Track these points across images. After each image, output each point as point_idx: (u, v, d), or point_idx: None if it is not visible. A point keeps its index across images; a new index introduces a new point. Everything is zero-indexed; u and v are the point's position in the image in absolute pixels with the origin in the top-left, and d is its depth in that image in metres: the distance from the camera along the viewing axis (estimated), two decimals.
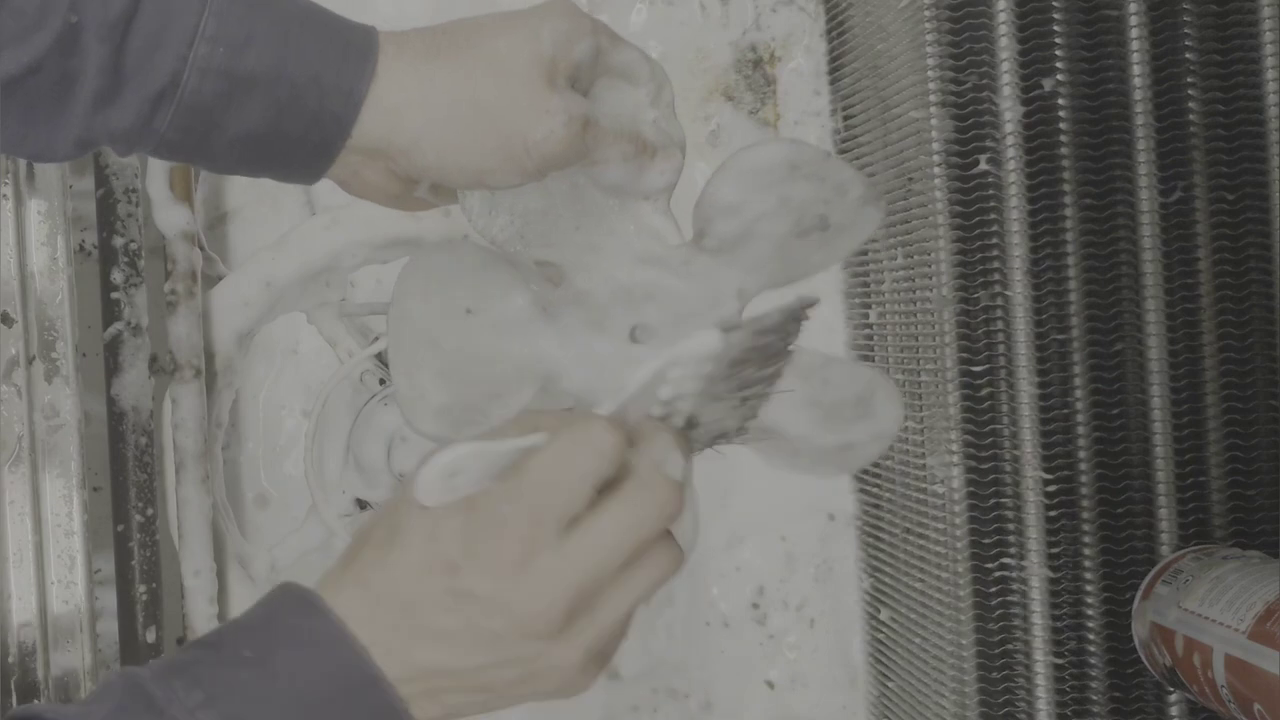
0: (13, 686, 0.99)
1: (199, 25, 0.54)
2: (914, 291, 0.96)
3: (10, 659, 0.98)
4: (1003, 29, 0.88)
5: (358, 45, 0.57)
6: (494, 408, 0.63)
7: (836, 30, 1.10)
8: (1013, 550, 0.91)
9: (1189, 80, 0.89)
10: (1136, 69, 0.89)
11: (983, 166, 0.89)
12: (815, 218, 0.62)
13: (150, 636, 1.01)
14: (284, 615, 0.51)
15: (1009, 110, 0.89)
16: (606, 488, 0.50)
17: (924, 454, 0.96)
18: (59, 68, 0.53)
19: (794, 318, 0.54)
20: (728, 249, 0.62)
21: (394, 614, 0.50)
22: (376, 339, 1.09)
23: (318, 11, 0.58)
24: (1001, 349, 0.90)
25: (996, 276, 0.90)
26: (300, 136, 0.57)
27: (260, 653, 0.50)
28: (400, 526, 0.51)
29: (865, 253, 1.06)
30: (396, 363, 0.64)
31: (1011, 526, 0.91)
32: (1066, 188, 0.89)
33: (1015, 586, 0.91)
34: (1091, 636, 0.90)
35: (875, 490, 1.07)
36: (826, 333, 1.12)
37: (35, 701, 0.99)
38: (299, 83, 0.55)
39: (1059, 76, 0.89)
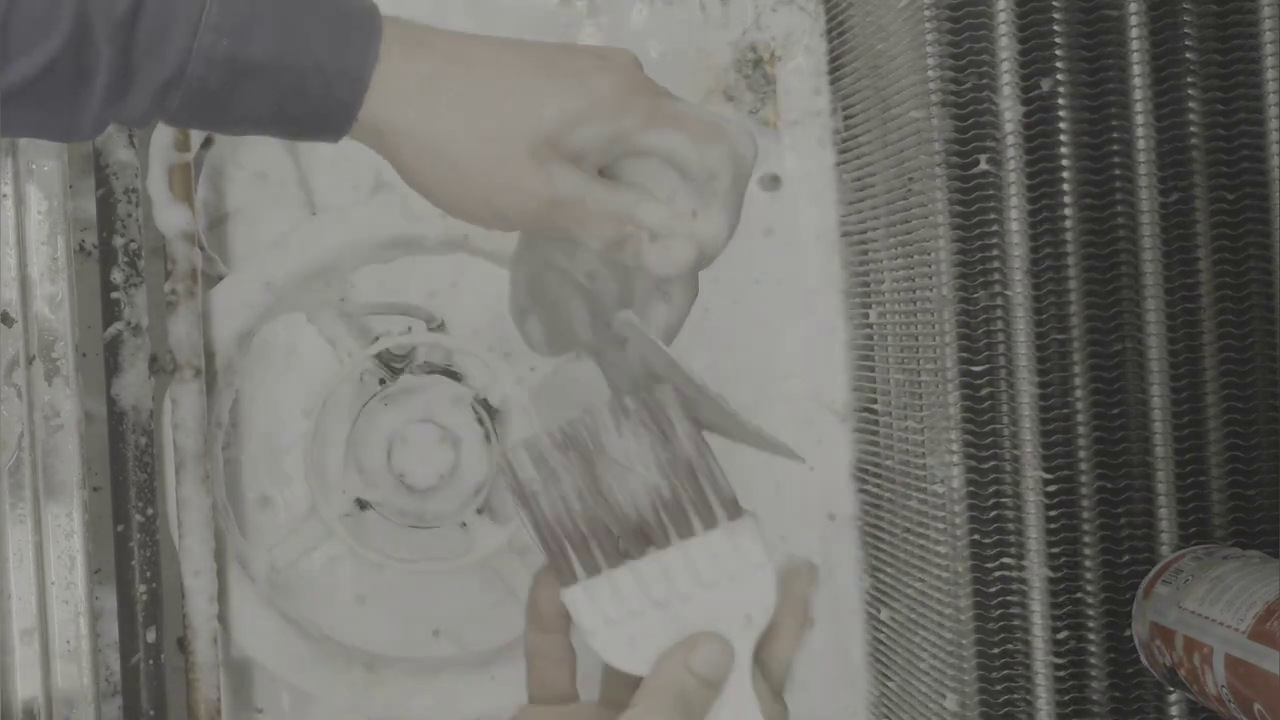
0: (12, 687, 0.99)
1: (202, 14, 0.54)
2: (914, 291, 0.96)
3: (10, 659, 0.98)
4: (1003, 29, 0.88)
5: (360, 28, 0.57)
6: None
7: (836, 30, 1.10)
8: (1013, 550, 0.91)
9: (1189, 80, 0.89)
10: (1136, 69, 0.89)
11: (983, 166, 0.89)
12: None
13: (150, 636, 1.02)
14: None
15: (1009, 110, 0.89)
16: None
17: (924, 454, 0.96)
18: (72, 66, 0.54)
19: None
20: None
21: None
22: (377, 339, 1.09)
23: None
24: (1001, 349, 0.90)
25: (996, 276, 0.90)
26: (307, 119, 0.57)
27: None
28: None
29: (865, 253, 1.06)
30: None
31: (1011, 526, 0.91)
32: (1066, 188, 0.89)
33: (1015, 586, 0.91)
34: (1091, 636, 0.90)
35: (875, 490, 1.07)
36: (827, 333, 1.12)
37: (35, 699, 0.99)
38: (302, 68, 0.56)
39: (1059, 76, 0.89)
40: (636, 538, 0.54)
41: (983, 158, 0.89)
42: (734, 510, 0.55)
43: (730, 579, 0.54)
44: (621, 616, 0.54)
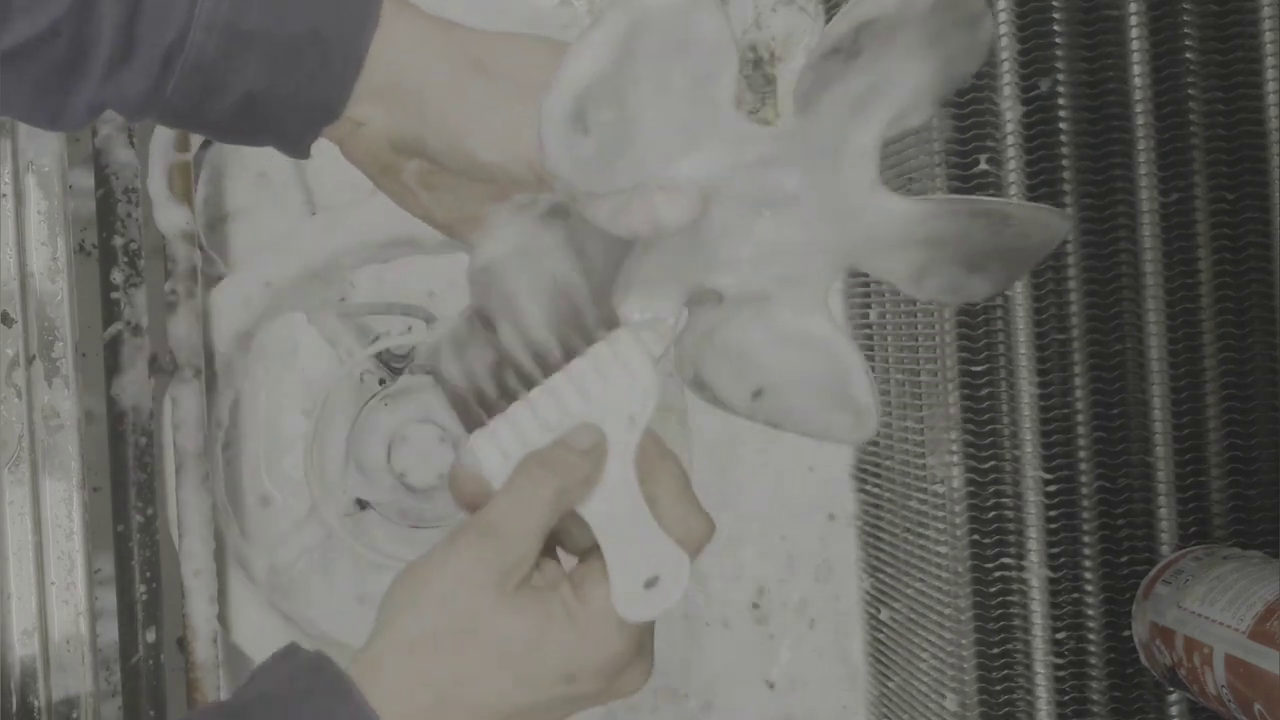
0: (13, 688, 0.99)
1: None
2: None
3: (10, 658, 0.98)
4: (1003, 29, 0.88)
5: None
6: None
7: None
8: (1013, 550, 0.91)
9: (1189, 80, 0.89)
10: (1136, 69, 0.89)
11: (983, 166, 0.89)
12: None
13: (150, 636, 1.01)
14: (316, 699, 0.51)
15: (1009, 110, 0.89)
16: None
17: (924, 454, 0.96)
18: (75, 32, 0.53)
19: None
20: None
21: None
22: (376, 339, 1.09)
23: None
24: (1001, 349, 0.90)
25: None
26: (302, 91, 0.56)
27: None
28: (481, 628, 0.53)
29: None
30: None
31: (1011, 526, 0.91)
32: (1066, 188, 0.89)
33: (1015, 586, 0.91)
34: (1091, 636, 0.90)
35: (875, 490, 1.07)
36: None
37: (35, 699, 0.99)
38: (298, 36, 0.55)
39: (1059, 76, 0.89)
40: (532, 377, 0.56)
41: (983, 158, 0.89)
42: (611, 323, 0.57)
43: (609, 385, 0.56)
44: (519, 449, 0.55)
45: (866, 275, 1.05)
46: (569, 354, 0.56)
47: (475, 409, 0.57)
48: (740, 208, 0.57)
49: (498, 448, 0.55)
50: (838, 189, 0.57)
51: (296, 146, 0.59)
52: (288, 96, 0.56)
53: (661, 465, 0.56)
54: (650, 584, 0.54)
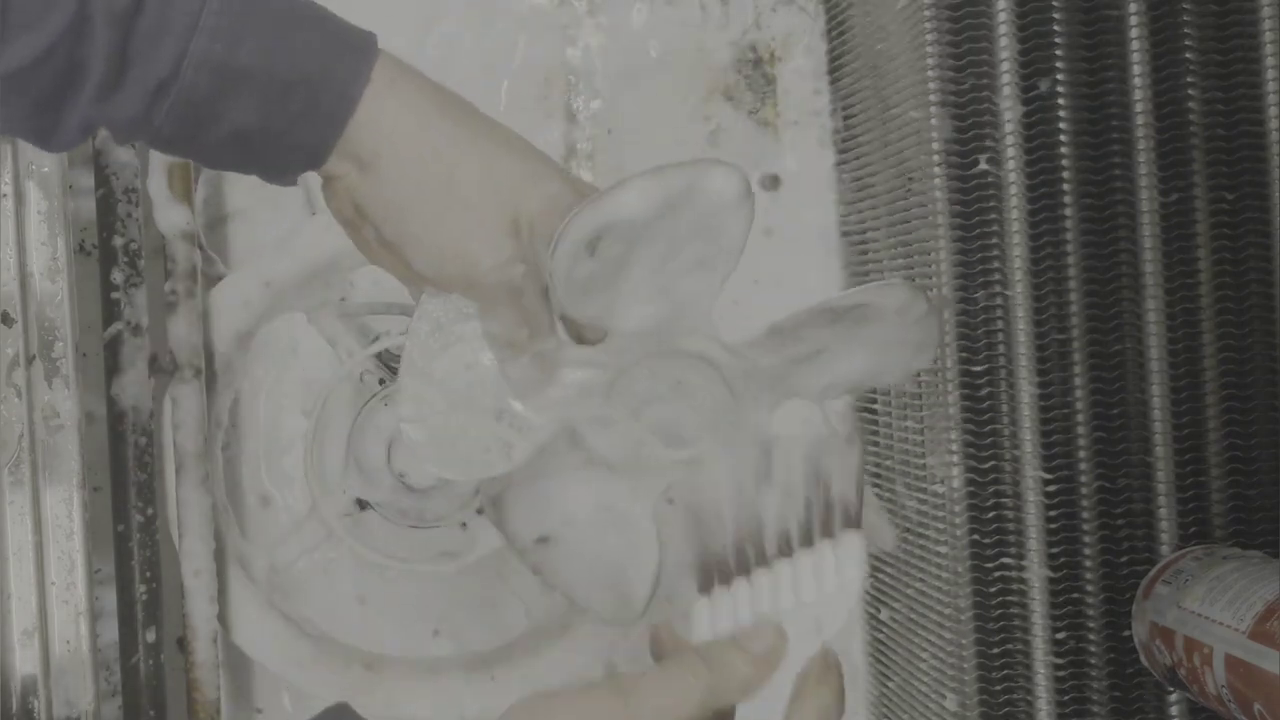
0: (13, 688, 0.99)
1: (200, 18, 0.54)
2: None
3: (10, 659, 0.98)
4: (1002, 29, 0.88)
5: (355, 49, 0.57)
6: None
7: (836, 30, 1.10)
8: (1013, 550, 0.91)
9: (1189, 80, 0.89)
10: (1136, 69, 0.89)
11: (983, 166, 0.89)
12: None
13: (150, 636, 1.01)
14: None
15: (1009, 110, 0.89)
16: None
17: (924, 454, 0.96)
18: (69, 55, 0.54)
19: None
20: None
21: None
22: (376, 339, 1.09)
23: (319, 12, 0.58)
24: (1001, 349, 0.90)
25: (996, 276, 0.90)
26: (290, 135, 0.57)
27: None
28: None
29: (865, 253, 1.06)
30: None
31: (1011, 526, 0.91)
32: (1066, 188, 0.89)
33: (1015, 586, 0.91)
34: (1091, 637, 0.90)
35: (875, 490, 1.07)
36: None
37: (35, 699, 0.99)
38: (290, 81, 0.56)
39: (1059, 76, 0.89)
40: (763, 550, 0.55)
41: (982, 158, 0.89)
42: (851, 521, 0.55)
43: (820, 589, 0.54)
44: (729, 628, 0.54)
45: (866, 275, 1.06)
46: (802, 537, 0.54)
47: (712, 563, 0.55)
48: (653, 383, 0.59)
49: (714, 623, 0.54)
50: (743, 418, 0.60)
51: (282, 179, 0.59)
52: (276, 136, 0.57)
53: (818, 689, 0.53)
54: None
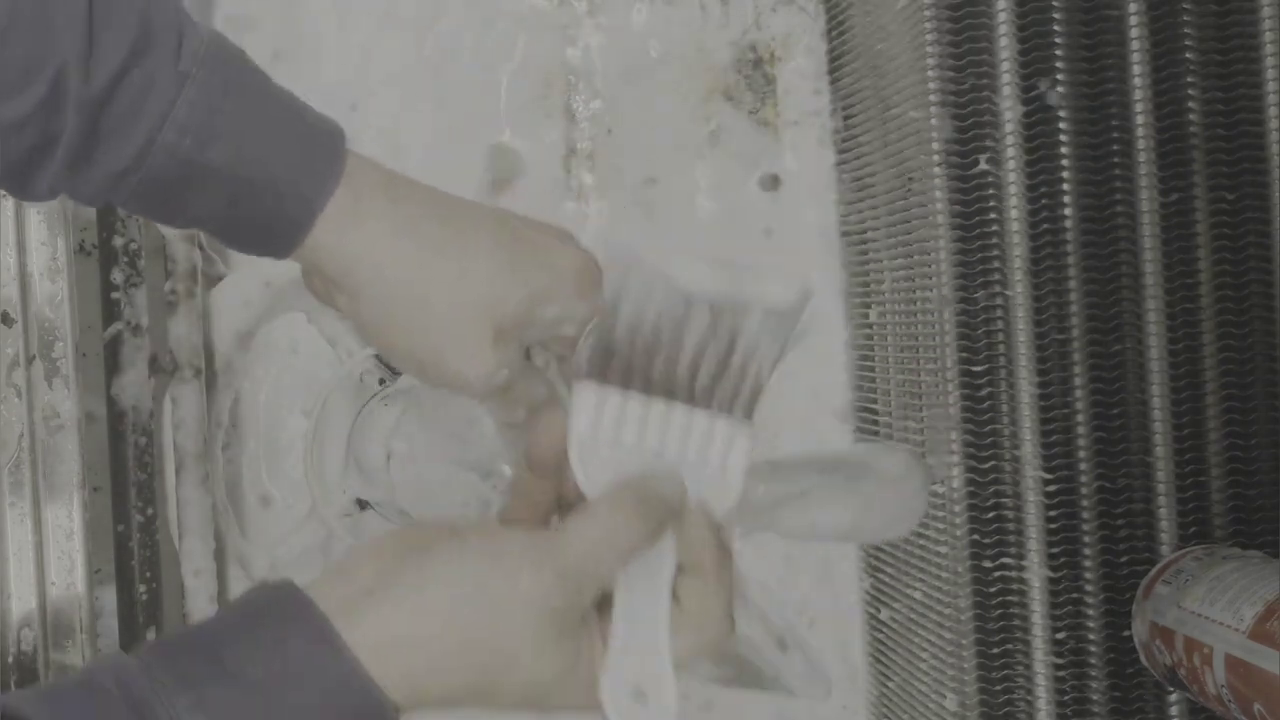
0: (12, 687, 0.99)
1: (170, 112, 0.54)
2: (914, 291, 0.96)
3: (10, 659, 0.98)
4: (1003, 29, 0.88)
5: (323, 151, 0.57)
6: None
7: (836, 30, 1.10)
8: (1013, 550, 0.91)
9: (1189, 80, 0.89)
10: (1136, 69, 0.89)
11: (983, 166, 0.89)
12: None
13: (150, 636, 1.01)
14: (294, 640, 0.49)
15: (1009, 110, 0.89)
16: None
17: (924, 454, 0.96)
18: (42, 129, 0.54)
19: None
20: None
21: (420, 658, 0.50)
22: None
23: (290, 113, 0.57)
24: (1001, 349, 0.90)
25: (996, 276, 0.90)
26: (256, 230, 0.58)
27: (267, 678, 0.48)
28: (510, 653, 0.51)
29: (865, 253, 1.06)
30: None
31: (1011, 526, 0.91)
32: (1066, 188, 0.89)
33: (1015, 586, 0.91)
34: (1091, 636, 0.90)
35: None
36: (826, 332, 1.12)
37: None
38: (256, 181, 0.56)
39: (1059, 76, 0.89)
40: (665, 385, 0.55)
41: (982, 158, 0.89)
42: (748, 413, 0.56)
43: (707, 463, 0.55)
44: (609, 438, 0.54)
45: (866, 275, 1.06)
46: (699, 396, 0.55)
47: (611, 347, 0.55)
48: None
49: (596, 419, 0.54)
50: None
51: (264, 251, 0.60)
52: (239, 228, 0.58)
53: (717, 585, 0.55)
54: (638, 697, 0.52)
